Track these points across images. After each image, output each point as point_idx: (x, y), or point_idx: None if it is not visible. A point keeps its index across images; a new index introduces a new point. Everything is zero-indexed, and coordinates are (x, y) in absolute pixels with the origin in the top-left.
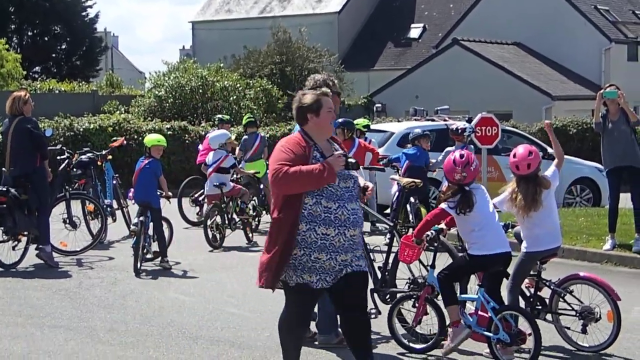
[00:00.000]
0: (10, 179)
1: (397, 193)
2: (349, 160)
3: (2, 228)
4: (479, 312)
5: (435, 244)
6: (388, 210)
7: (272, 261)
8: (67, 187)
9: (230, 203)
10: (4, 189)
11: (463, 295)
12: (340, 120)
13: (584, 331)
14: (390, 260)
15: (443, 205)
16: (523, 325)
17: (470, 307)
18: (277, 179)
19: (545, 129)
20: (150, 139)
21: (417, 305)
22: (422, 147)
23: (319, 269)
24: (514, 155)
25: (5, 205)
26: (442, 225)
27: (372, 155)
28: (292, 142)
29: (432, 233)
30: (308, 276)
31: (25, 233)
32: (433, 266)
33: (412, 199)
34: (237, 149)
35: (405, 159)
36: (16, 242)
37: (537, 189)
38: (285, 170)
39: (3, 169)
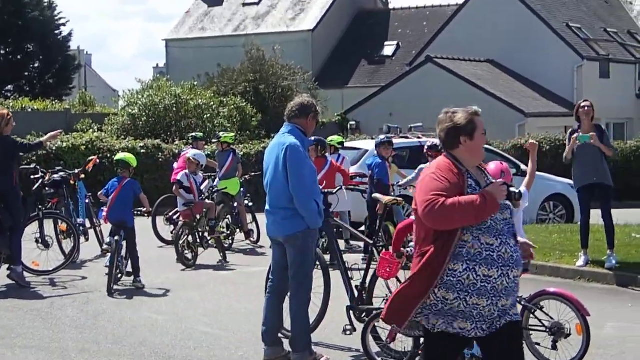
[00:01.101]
0: None
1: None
2: (512, 189)
3: None
4: None
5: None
6: (362, 228)
7: (411, 302)
8: (40, 206)
9: (201, 221)
10: None
11: None
12: (313, 138)
13: (554, 347)
14: (369, 278)
15: (414, 217)
16: None
17: None
18: (431, 212)
19: (529, 148)
20: (131, 156)
21: None
22: (382, 154)
23: (475, 316)
24: None
25: None
26: None
27: (342, 176)
28: (444, 169)
29: (411, 250)
30: (461, 323)
31: None
32: None
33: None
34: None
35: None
36: None
37: None
38: (441, 202)
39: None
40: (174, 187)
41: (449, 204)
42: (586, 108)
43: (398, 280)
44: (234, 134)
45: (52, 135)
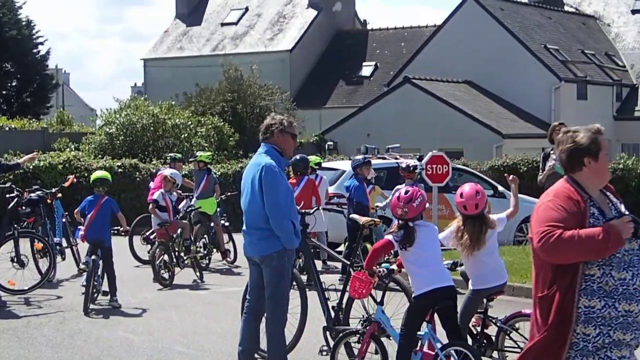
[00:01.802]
0: None
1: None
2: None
3: None
4: (424, 349)
5: (386, 281)
6: (340, 248)
7: (551, 346)
8: (15, 225)
9: (176, 241)
10: None
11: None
12: (298, 156)
13: None
14: (345, 299)
15: (389, 237)
16: None
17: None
18: (546, 245)
19: (510, 183)
20: (106, 174)
21: (361, 341)
22: (364, 175)
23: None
24: (461, 195)
25: None
26: (394, 266)
27: (315, 199)
28: (562, 196)
29: (383, 270)
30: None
31: None
32: (381, 303)
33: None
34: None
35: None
36: None
37: (482, 227)
38: (557, 234)
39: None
40: (150, 206)
41: (567, 238)
42: (561, 131)
43: (374, 300)
44: (211, 153)
45: (30, 158)
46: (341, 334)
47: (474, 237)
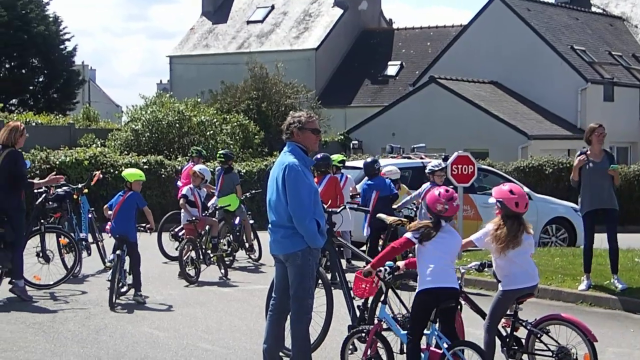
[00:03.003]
0: None
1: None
2: None
3: None
4: (431, 348)
5: (387, 279)
6: (364, 247)
7: None
8: (42, 220)
9: (204, 238)
10: None
11: None
12: (319, 155)
13: None
14: (371, 298)
15: (408, 235)
16: None
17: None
18: None
19: None
20: (132, 173)
21: (367, 339)
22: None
23: None
24: (511, 192)
25: None
26: (400, 263)
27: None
28: None
29: (386, 269)
30: None
31: None
32: (385, 302)
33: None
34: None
35: (370, 190)
36: None
37: (520, 227)
38: None
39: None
40: (180, 201)
41: None
42: (602, 133)
43: (400, 300)
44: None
45: (51, 180)
46: (348, 334)
47: (511, 234)
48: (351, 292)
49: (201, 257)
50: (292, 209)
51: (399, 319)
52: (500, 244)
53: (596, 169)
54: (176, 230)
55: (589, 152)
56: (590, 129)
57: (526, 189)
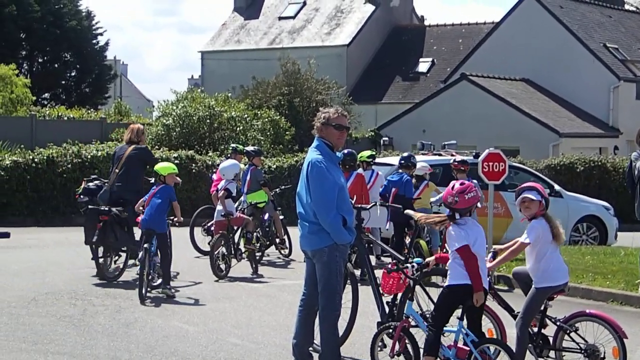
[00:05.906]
0: (107, 196)
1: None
2: None
3: (103, 245)
4: (458, 345)
5: (414, 276)
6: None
7: None
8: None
9: (237, 233)
10: (106, 208)
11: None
12: (345, 151)
13: None
14: (399, 295)
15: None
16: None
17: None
18: None
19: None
20: (165, 167)
21: (393, 335)
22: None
23: None
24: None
25: (108, 223)
26: (430, 259)
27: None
28: None
29: (414, 266)
30: None
31: (124, 248)
32: (412, 299)
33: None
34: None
35: (390, 186)
36: (117, 257)
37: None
38: None
39: (105, 183)
40: (220, 194)
41: None
42: None
43: (429, 297)
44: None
45: None
46: (377, 330)
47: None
48: (380, 288)
49: (232, 252)
50: (315, 205)
51: (427, 316)
52: (559, 241)
53: None
54: (208, 224)
55: None
56: None
57: (557, 187)
